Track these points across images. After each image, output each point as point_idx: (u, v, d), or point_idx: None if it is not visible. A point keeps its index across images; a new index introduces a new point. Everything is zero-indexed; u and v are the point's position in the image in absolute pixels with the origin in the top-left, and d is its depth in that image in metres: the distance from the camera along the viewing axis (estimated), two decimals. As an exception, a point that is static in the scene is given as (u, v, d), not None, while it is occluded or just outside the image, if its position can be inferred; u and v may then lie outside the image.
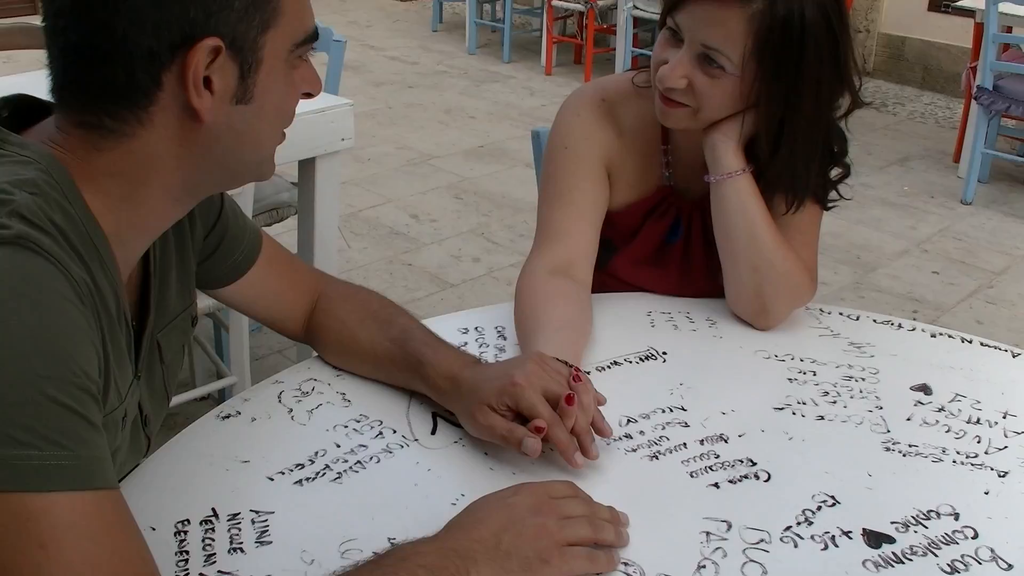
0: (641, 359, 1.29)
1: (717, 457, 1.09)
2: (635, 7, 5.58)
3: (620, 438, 1.12)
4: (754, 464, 1.08)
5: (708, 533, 0.97)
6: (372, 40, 7.06)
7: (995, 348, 1.35)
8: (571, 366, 1.13)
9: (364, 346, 1.20)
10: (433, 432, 1.13)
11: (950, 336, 1.37)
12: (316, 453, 1.08)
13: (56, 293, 0.77)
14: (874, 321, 1.41)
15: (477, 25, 6.73)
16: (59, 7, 0.82)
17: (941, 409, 1.20)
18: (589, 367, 1.25)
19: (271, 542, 0.95)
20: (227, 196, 1.16)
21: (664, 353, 1.30)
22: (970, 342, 1.36)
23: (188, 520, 0.97)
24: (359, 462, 1.07)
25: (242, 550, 0.94)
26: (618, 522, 0.95)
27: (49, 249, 0.77)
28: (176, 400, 2.14)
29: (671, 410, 1.18)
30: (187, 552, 0.94)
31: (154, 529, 0.96)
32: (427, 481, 1.04)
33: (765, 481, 1.06)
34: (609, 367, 1.27)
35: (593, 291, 1.42)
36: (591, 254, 1.39)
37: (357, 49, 6.78)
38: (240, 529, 0.97)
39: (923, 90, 6.14)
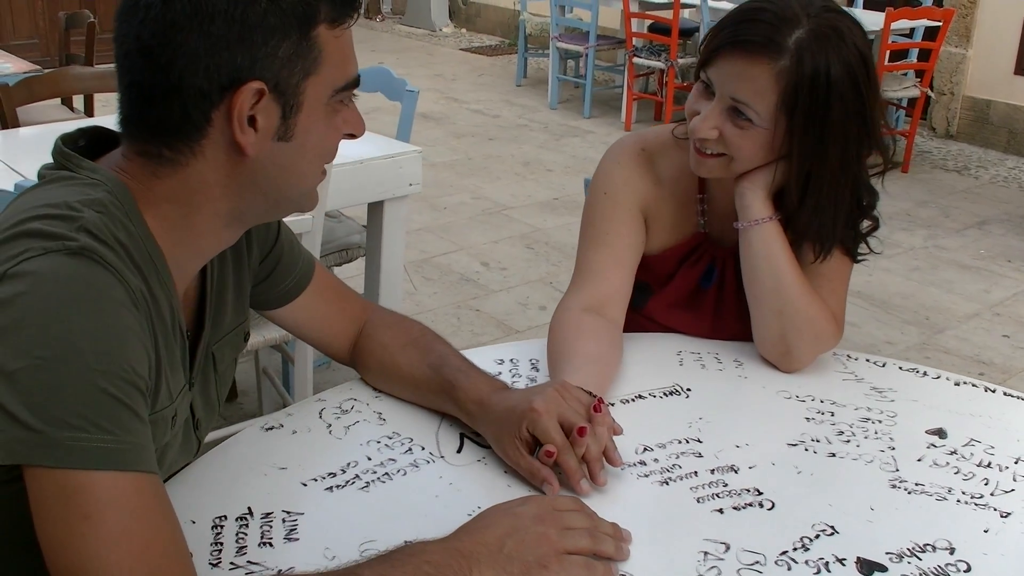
0: (665, 394, 1.35)
1: (725, 486, 1.14)
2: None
3: (635, 464, 1.18)
4: (760, 493, 1.13)
5: (706, 553, 1.02)
6: (456, 93, 7.28)
7: (1019, 398, 1.37)
8: (594, 396, 1.20)
9: (403, 370, 1.29)
10: (459, 451, 1.21)
11: (974, 385, 1.40)
12: (348, 464, 1.17)
13: (113, 299, 0.87)
14: (900, 368, 1.44)
15: (559, 81, 6.88)
16: (127, 50, 0.94)
17: (953, 452, 1.23)
18: (614, 399, 1.32)
19: (298, 539, 1.04)
20: (284, 226, 1.27)
21: (688, 390, 1.36)
22: (994, 391, 1.38)
23: (225, 516, 1.07)
24: (387, 474, 1.16)
25: (271, 545, 1.03)
26: (620, 537, 1.01)
27: (110, 261, 0.89)
28: (242, 426, 2.26)
29: (687, 441, 1.23)
30: (221, 544, 1.03)
31: (194, 522, 1.05)
32: (448, 493, 1.12)
33: (768, 509, 1.10)
34: (633, 400, 1.33)
35: (628, 331, 1.49)
36: (624, 295, 1.47)
37: (441, 101, 7.00)
38: (271, 527, 1.06)
39: (1007, 154, 6.06)
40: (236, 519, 1.07)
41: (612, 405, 1.30)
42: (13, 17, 7.60)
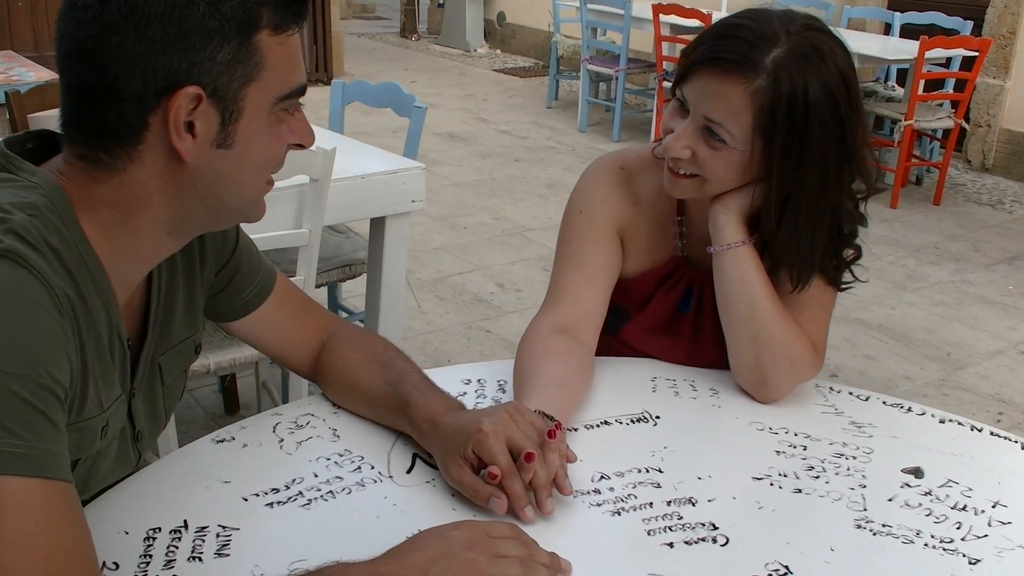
0: (632, 421, 1.30)
1: (680, 519, 1.10)
2: (744, 93, 5.60)
3: (588, 492, 1.14)
4: (715, 528, 1.08)
5: (648, 588, 0.98)
6: (486, 113, 7.28)
7: (1005, 439, 1.31)
8: (554, 421, 1.16)
9: (362, 385, 1.26)
10: (409, 471, 1.17)
11: (960, 424, 1.34)
12: (294, 480, 1.14)
13: (34, 303, 0.85)
14: (883, 403, 1.39)
15: (590, 104, 6.86)
16: (64, 51, 0.92)
17: (928, 493, 1.17)
18: (578, 424, 1.28)
19: (229, 555, 1.01)
20: (243, 236, 1.25)
21: (657, 417, 1.31)
22: (980, 431, 1.32)
23: (160, 528, 1.04)
24: (331, 492, 1.12)
25: (200, 559, 1.00)
26: (557, 568, 0.97)
27: (35, 264, 0.86)
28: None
29: (647, 471, 1.19)
30: (151, 556, 1.00)
31: (127, 533, 1.03)
32: (389, 515, 1.09)
33: (722, 545, 1.05)
34: (598, 426, 1.29)
35: (604, 356, 1.45)
36: (597, 317, 1.42)
37: (470, 122, 7.01)
38: (204, 541, 1.03)
39: (1044, 189, 5.94)
40: (170, 532, 1.04)
41: (575, 430, 1.26)
42: (49, 28, 7.73)
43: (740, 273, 1.34)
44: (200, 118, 0.92)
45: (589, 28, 6.57)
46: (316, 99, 3.19)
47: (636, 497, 1.13)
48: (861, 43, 5.45)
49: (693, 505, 1.12)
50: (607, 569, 1.01)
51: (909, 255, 4.71)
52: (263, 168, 1.00)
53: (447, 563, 0.91)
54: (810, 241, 1.32)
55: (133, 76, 0.89)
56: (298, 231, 2.26)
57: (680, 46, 6.05)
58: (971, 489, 1.18)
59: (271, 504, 1.10)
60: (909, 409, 1.37)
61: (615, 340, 1.49)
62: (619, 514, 1.10)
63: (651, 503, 1.12)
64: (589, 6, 6.45)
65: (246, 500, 1.10)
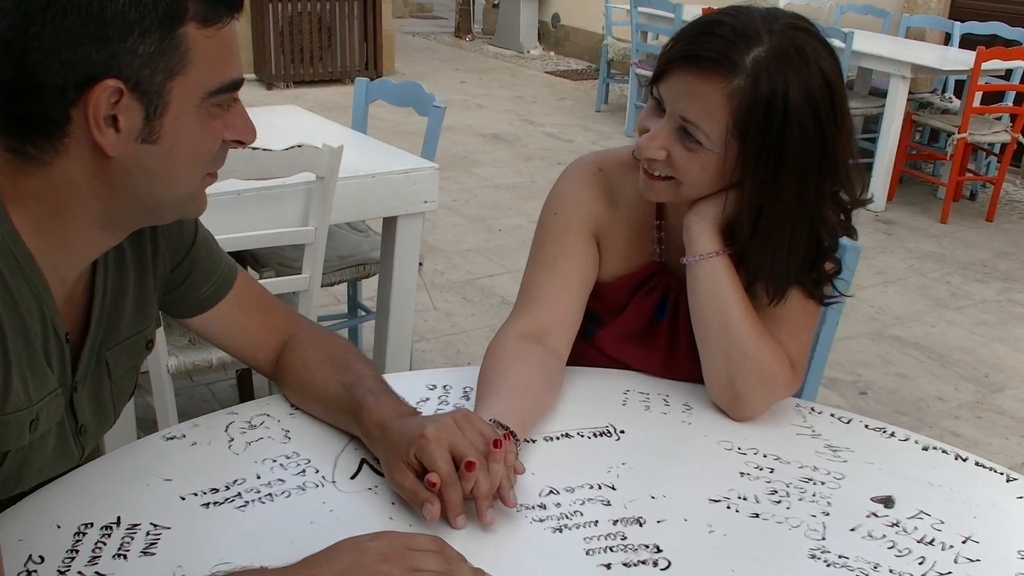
0: (595, 435, 1.26)
1: (624, 539, 1.05)
2: (792, 101, 5.49)
3: (533, 507, 1.10)
4: (659, 551, 1.03)
5: (575, 611, 0.94)
6: (533, 115, 7.25)
7: (991, 470, 1.24)
8: (507, 430, 1.13)
9: (318, 387, 1.24)
10: (353, 476, 1.14)
11: (944, 452, 1.27)
12: (235, 481, 1.12)
13: None
14: (865, 427, 1.32)
15: (638, 108, 6.78)
16: None
17: (895, 524, 1.11)
18: (537, 436, 1.24)
19: (155, 554, 0.99)
20: (202, 231, 1.24)
21: (622, 432, 1.27)
22: (965, 460, 1.25)
23: (92, 523, 1.03)
24: (270, 495, 1.10)
25: (125, 557, 0.98)
26: (481, 585, 0.94)
27: None
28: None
29: (599, 487, 1.14)
30: (77, 551, 0.99)
31: (59, 527, 1.02)
32: (324, 521, 1.06)
33: (662, 569, 1.01)
34: (558, 438, 1.25)
35: (577, 364, 1.41)
36: (570, 324, 1.38)
37: (515, 123, 6.98)
38: (133, 538, 1.01)
39: (1106, 209, 5.72)
40: (101, 528, 1.03)
41: (533, 442, 1.23)
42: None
43: (713, 285, 1.29)
44: (123, 112, 0.91)
45: (639, 31, 6.50)
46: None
47: (582, 514, 1.09)
48: (917, 53, 5.32)
49: (640, 525, 1.08)
50: (536, 589, 0.97)
51: (955, 272, 4.57)
52: (194, 164, 0.98)
53: (359, 573, 0.89)
54: (785, 253, 1.27)
55: (52, 69, 0.88)
56: (304, 228, 2.26)
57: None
58: (943, 522, 1.12)
59: (207, 504, 1.08)
60: (892, 434, 1.31)
61: (590, 347, 1.45)
62: (560, 531, 1.06)
63: (596, 521, 1.08)
64: (639, 9, 6.38)
65: (183, 499, 1.08)
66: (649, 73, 6.35)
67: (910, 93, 5.28)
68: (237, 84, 0.97)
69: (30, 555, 0.97)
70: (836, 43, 5.08)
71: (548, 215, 1.41)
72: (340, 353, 1.27)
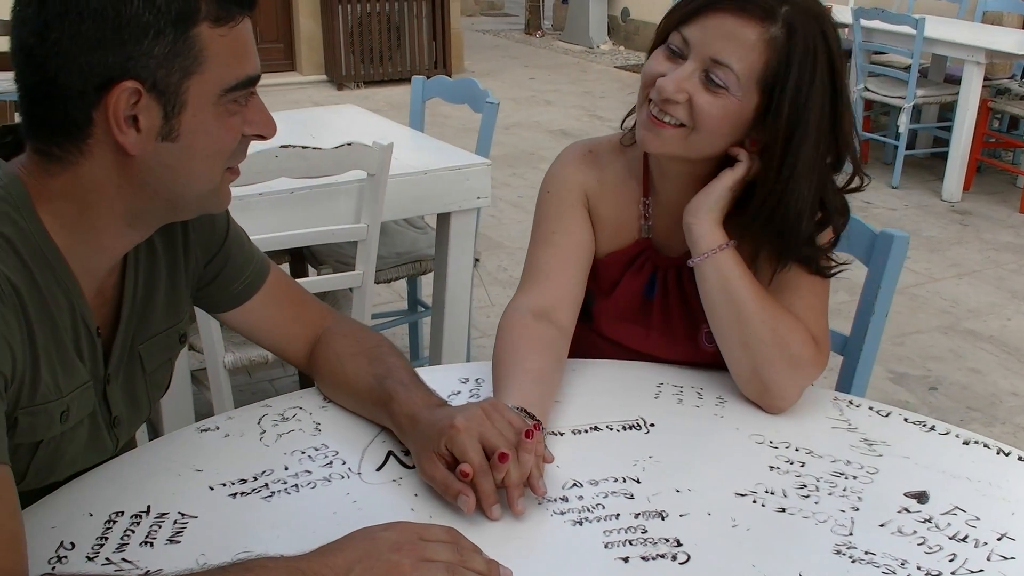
0: (624, 428, 1.25)
1: (644, 532, 1.04)
2: (866, 89, 5.37)
3: (556, 500, 1.10)
4: (679, 545, 1.02)
5: (588, 604, 0.94)
6: (601, 111, 7.21)
7: (1034, 465, 1.20)
8: (531, 420, 1.13)
9: (350, 379, 1.25)
10: (379, 468, 1.16)
11: (986, 446, 1.23)
12: (263, 472, 1.14)
13: None
14: (905, 420, 1.29)
15: (706, 102, 6.70)
16: (13, 51, 0.95)
17: (927, 520, 1.08)
18: (565, 429, 1.24)
19: (180, 542, 1.02)
20: (234, 227, 1.27)
21: (652, 425, 1.26)
22: (1007, 455, 1.21)
23: (123, 512, 1.06)
24: (296, 486, 1.12)
25: (151, 545, 1.01)
26: (493, 574, 0.94)
27: None
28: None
29: (624, 480, 1.14)
30: (107, 539, 1.02)
31: (91, 515, 1.05)
32: (347, 512, 1.07)
33: (681, 563, 1.00)
34: (587, 431, 1.24)
35: (582, 351, 1.42)
36: (575, 298, 1.39)
37: (583, 118, 6.96)
38: (161, 527, 1.04)
39: None
40: (132, 516, 1.06)
41: (562, 435, 1.23)
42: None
43: (721, 279, 1.28)
44: (142, 112, 0.94)
45: (706, 24, 6.41)
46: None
47: (603, 507, 1.09)
48: (993, 38, 5.14)
49: (663, 519, 1.07)
50: (550, 580, 0.97)
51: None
52: (214, 159, 1.00)
53: (370, 564, 0.90)
54: (795, 216, 1.26)
55: (72, 73, 0.91)
56: (356, 226, 2.28)
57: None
58: (978, 518, 1.08)
59: (235, 494, 1.10)
60: (932, 428, 1.27)
61: (590, 331, 1.46)
62: (580, 524, 1.06)
63: (618, 514, 1.07)
64: (706, 1, 6.30)
65: (212, 489, 1.11)
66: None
67: (987, 79, 5.11)
68: (253, 80, 1.00)
69: (61, 541, 1.00)
70: (907, 29, 4.95)
71: (543, 195, 1.45)
72: (372, 346, 1.28)
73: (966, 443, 1.24)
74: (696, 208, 1.29)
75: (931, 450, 1.22)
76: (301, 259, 2.96)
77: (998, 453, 1.22)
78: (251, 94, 1.01)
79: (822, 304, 1.33)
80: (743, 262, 1.29)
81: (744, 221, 1.29)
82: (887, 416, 1.30)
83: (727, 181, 1.28)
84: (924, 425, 1.28)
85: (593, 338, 1.45)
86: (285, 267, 3.03)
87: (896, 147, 5.31)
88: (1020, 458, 1.21)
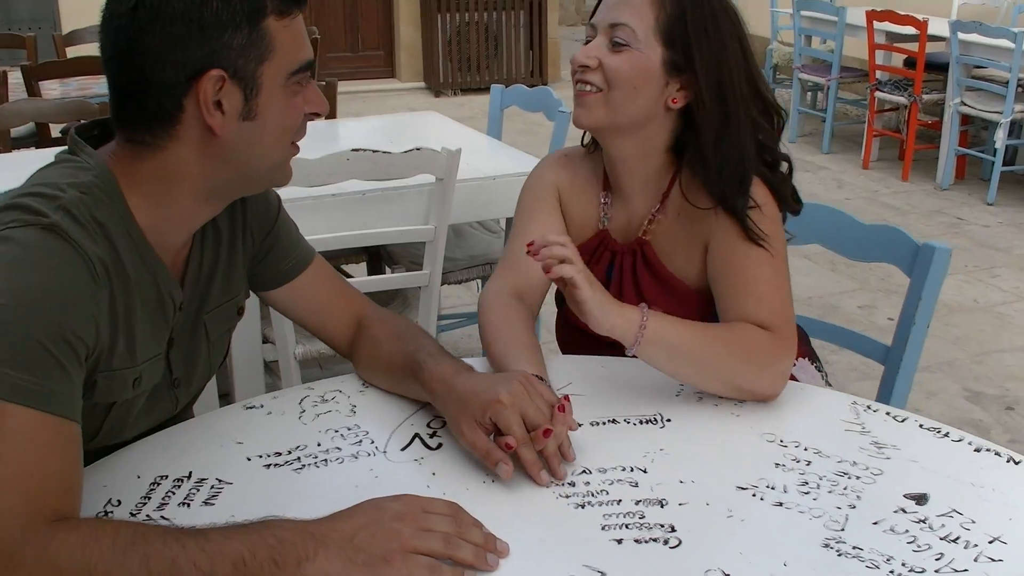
0: (641, 422, 1.31)
1: (642, 518, 1.10)
2: (963, 103, 5.26)
3: (563, 484, 1.17)
4: (673, 531, 1.08)
5: (576, 578, 1.00)
6: (695, 122, 7.19)
7: (1045, 474, 1.21)
8: (559, 397, 1.22)
9: (384, 359, 1.37)
10: (404, 448, 1.24)
11: (997, 454, 1.24)
12: (297, 447, 1.24)
13: (66, 270, 1.02)
14: (920, 426, 1.31)
15: (802, 113, 6.64)
16: (107, 56, 1.10)
17: (922, 520, 1.11)
18: (584, 420, 1.30)
19: (214, 504, 1.12)
20: (283, 212, 1.40)
21: (668, 420, 1.31)
22: (1018, 463, 1.23)
23: (167, 476, 1.17)
24: (325, 460, 1.22)
25: (188, 506, 1.12)
26: (490, 548, 1.01)
27: (76, 237, 1.04)
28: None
29: (631, 470, 1.20)
30: (149, 498, 1.13)
31: (138, 477, 1.17)
32: (368, 485, 1.16)
33: (672, 547, 1.05)
34: (605, 424, 1.31)
35: (567, 347, 1.56)
36: (543, 283, 1.50)
37: (676, 130, 6.95)
38: (199, 490, 1.15)
39: None
40: (174, 480, 1.17)
41: (580, 425, 1.29)
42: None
43: (663, 349, 1.29)
44: (226, 97, 1.08)
45: (802, 35, 6.36)
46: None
47: (607, 493, 1.15)
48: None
49: (662, 507, 1.12)
50: (544, 556, 1.04)
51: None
52: (284, 135, 1.15)
53: (373, 530, 0.98)
54: (737, 153, 1.37)
55: (165, 68, 1.06)
56: (423, 227, 2.39)
57: (895, 55, 5.76)
58: (973, 521, 1.11)
59: (269, 465, 1.20)
60: (946, 434, 1.29)
61: (563, 319, 1.57)
62: (583, 507, 1.12)
63: (620, 500, 1.14)
64: (803, 12, 6.25)
65: (249, 460, 1.21)
66: (811, 77, 6.23)
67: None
68: (310, 64, 1.14)
69: (109, 499, 1.12)
70: (1005, 43, 4.83)
71: (522, 192, 1.58)
72: (405, 329, 1.40)
73: (977, 450, 1.26)
74: (595, 318, 1.25)
75: (940, 455, 1.25)
76: (378, 259, 3.09)
77: (1008, 461, 1.23)
78: (308, 77, 1.15)
79: (776, 289, 1.38)
80: (665, 316, 1.30)
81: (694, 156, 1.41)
82: (903, 422, 1.33)
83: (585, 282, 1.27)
84: (938, 432, 1.30)
85: (566, 326, 1.56)
86: (362, 266, 3.16)
87: (993, 163, 5.18)
88: (1031, 467, 1.22)
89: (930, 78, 5.58)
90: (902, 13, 5.40)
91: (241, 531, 0.97)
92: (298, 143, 1.20)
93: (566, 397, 1.20)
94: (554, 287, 1.53)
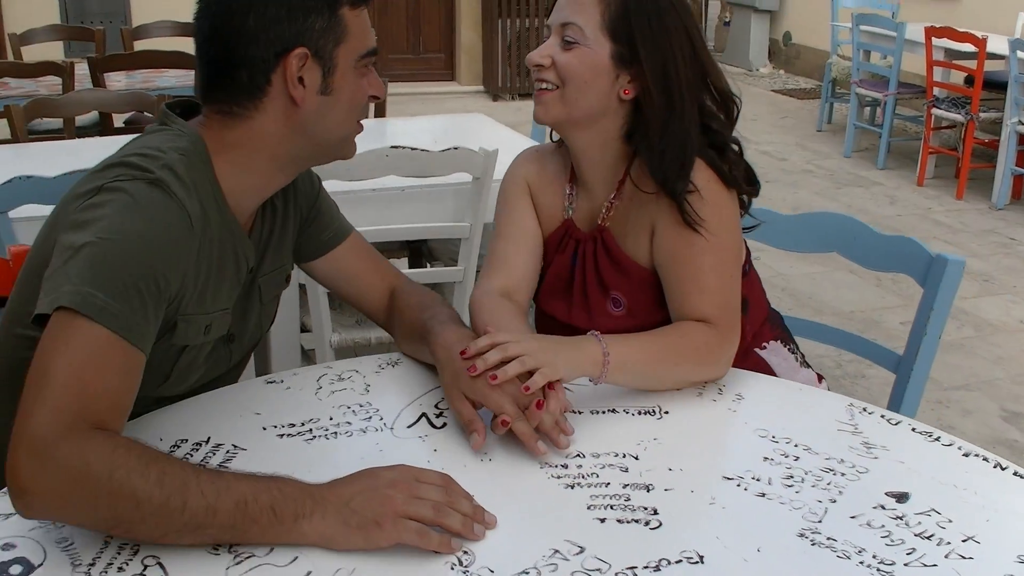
0: (639, 412, 1.36)
1: (627, 500, 1.16)
2: (1021, 122, 5.19)
3: (556, 465, 1.23)
4: (655, 514, 1.13)
5: (556, 551, 1.06)
6: (749, 133, 7.08)
7: (1027, 481, 1.24)
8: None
9: (407, 327, 1.47)
10: (410, 426, 1.31)
11: (985, 459, 1.27)
12: (311, 420, 1.32)
13: (166, 221, 1.17)
14: (912, 430, 1.35)
15: (858, 128, 6.60)
16: (204, 37, 1.26)
17: (900, 517, 1.14)
18: (585, 409, 1.36)
19: (228, 467, 1.20)
20: (324, 190, 1.53)
21: (666, 412, 1.37)
22: (1004, 468, 1.26)
23: (187, 439, 1.26)
24: (335, 433, 1.29)
25: (204, 465, 1.20)
26: (477, 519, 1.08)
27: (178, 192, 1.18)
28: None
29: (624, 456, 1.25)
30: (170, 459, 1.21)
31: (161, 439, 1.25)
32: (372, 458, 1.23)
33: (652, 528, 1.11)
34: (604, 412, 1.36)
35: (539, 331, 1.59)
36: (530, 279, 1.58)
37: (730, 141, 6.95)
38: (215, 454, 1.23)
39: None
40: (193, 443, 1.25)
41: (580, 413, 1.35)
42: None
43: (627, 375, 1.37)
44: (307, 73, 1.24)
45: (860, 50, 6.32)
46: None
47: (597, 476, 1.21)
48: None
49: (648, 491, 1.18)
50: (528, 529, 1.10)
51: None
52: (353, 111, 1.30)
53: (368, 496, 1.05)
54: (680, 143, 1.42)
55: (257, 46, 1.22)
56: (459, 224, 2.46)
57: (953, 72, 5.70)
58: (950, 521, 1.14)
59: (282, 435, 1.28)
60: (938, 438, 1.32)
61: (535, 306, 1.63)
62: (572, 488, 1.18)
63: (608, 483, 1.19)
64: (862, 27, 6.21)
65: (264, 429, 1.30)
66: (869, 92, 6.19)
67: None
68: (375, 51, 1.31)
69: (134, 456, 1.21)
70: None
71: (499, 192, 1.64)
72: (428, 300, 1.50)
73: (966, 455, 1.29)
74: (555, 366, 1.29)
75: (928, 457, 1.28)
76: (419, 255, 3.17)
77: (995, 467, 1.26)
78: (373, 63, 1.29)
79: (718, 280, 1.44)
80: (620, 340, 1.36)
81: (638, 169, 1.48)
82: (896, 424, 1.36)
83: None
84: (930, 435, 1.33)
85: (543, 316, 1.63)
86: (404, 261, 3.25)
87: (1051, 184, 5.11)
88: (1016, 473, 1.25)
89: (988, 96, 5.51)
90: (961, 30, 5.35)
91: (251, 478, 1.05)
92: (362, 123, 1.34)
93: (557, 381, 1.27)
94: (540, 283, 1.62)
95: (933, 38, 5.55)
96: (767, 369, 1.61)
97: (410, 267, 3.22)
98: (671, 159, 1.42)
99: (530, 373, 1.25)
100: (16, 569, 1.00)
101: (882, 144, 6.26)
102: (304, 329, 2.57)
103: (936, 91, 5.73)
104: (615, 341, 1.35)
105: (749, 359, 1.58)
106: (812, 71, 9.24)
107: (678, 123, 1.42)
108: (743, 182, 1.50)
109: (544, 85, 1.46)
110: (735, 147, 1.51)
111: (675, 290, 1.46)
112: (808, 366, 1.70)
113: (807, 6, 9.14)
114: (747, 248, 1.61)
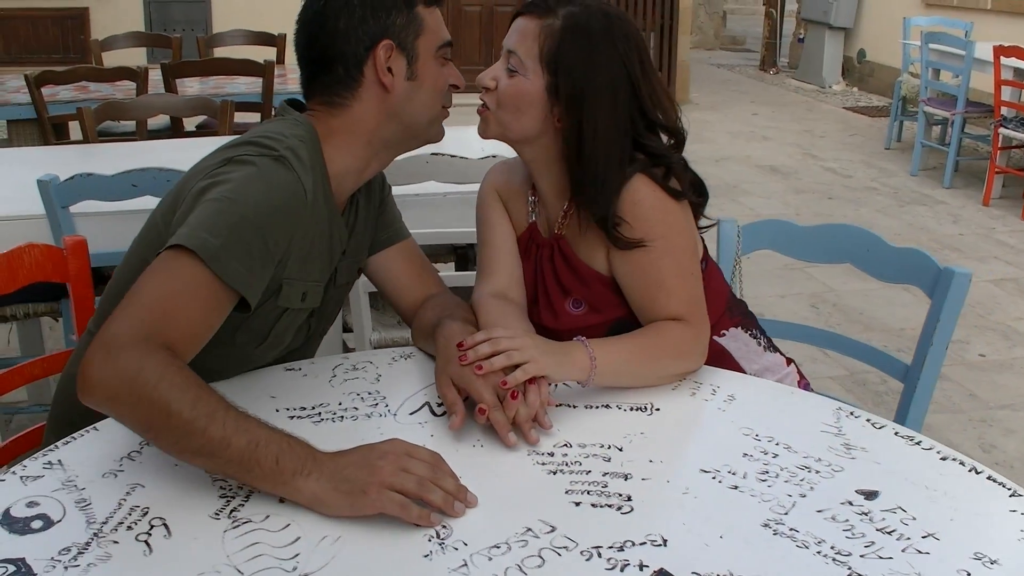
0: (631, 408, 1.43)
1: (604, 487, 1.23)
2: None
3: (542, 453, 1.30)
4: (629, 500, 1.20)
5: (528, 528, 1.14)
6: (817, 150, 7.15)
7: (1000, 484, 1.27)
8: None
9: (424, 323, 1.57)
10: (412, 413, 1.41)
11: (962, 463, 1.31)
12: (321, 404, 1.42)
13: (287, 190, 1.35)
14: (895, 434, 1.39)
15: (926, 147, 6.52)
16: (304, 44, 1.46)
17: (865, 513, 1.19)
18: (579, 404, 1.44)
19: (240, 443, 1.30)
20: (391, 193, 1.68)
21: (657, 409, 1.43)
22: (978, 473, 1.29)
23: (206, 418, 1.36)
24: (342, 417, 1.39)
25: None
26: (459, 497, 1.16)
27: (296, 168, 1.36)
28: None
29: (609, 447, 1.32)
30: (189, 435, 1.32)
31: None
32: (372, 440, 1.32)
33: (624, 513, 1.18)
34: (597, 408, 1.44)
35: None
36: (519, 278, 1.67)
37: (796, 156, 6.94)
38: (229, 431, 1.33)
39: None
40: (212, 422, 1.36)
41: (574, 407, 1.42)
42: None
43: (613, 376, 1.45)
44: (394, 63, 1.43)
45: (929, 68, 6.25)
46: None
47: (580, 464, 1.28)
48: None
49: (625, 480, 1.25)
50: (506, 510, 1.18)
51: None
52: (436, 95, 1.48)
53: (360, 465, 1.15)
54: (603, 170, 1.49)
55: (349, 43, 1.42)
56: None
57: None
58: (914, 518, 1.18)
59: (292, 417, 1.39)
60: (918, 443, 1.36)
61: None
62: (554, 474, 1.26)
63: (589, 471, 1.26)
64: (931, 45, 6.15)
65: (277, 411, 1.40)
66: (936, 111, 6.13)
67: None
68: (450, 43, 1.49)
69: (157, 430, 1.32)
70: None
71: (477, 203, 1.73)
72: (452, 304, 1.60)
73: (944, 459, 1.33)
74: (553, 377, 1.40)
75: (905, 460, 1.32)
76: (465, 260, 3.27)
77: (970, 471, 1.30)
78: (449, 58, 1.44)
79: (682, 280, 1.52)
80: (604, 343, 1.45)
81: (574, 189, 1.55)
82: (880, 428, 1.41)
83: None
84: (912, 440, 1.37)
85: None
86: (450, 266, 3.35)
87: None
88: (990, 478, 1.28)
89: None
90: (1031, 49, 5.27)
91: (269, 428, 1.18)
92: (447, 109, 1.51)
93: (542, 378, 1.36)
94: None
95: (1002, 57, 5.47)
96: (726, 355, 1.68)
97: (456, 271, 3.32)
98: (590, 188, 1.50)
99: (517, 368, 1.33)
100: (37, 524, 1.12)
101: (948, 163, 6.18)
102: (346, 328, 2.68)
103: (1004, 110, 5.64)
104: (600, 346, 1.43)
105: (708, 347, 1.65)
106: (885, 89, 9.14)
107: (599, 154, 1.48)
108: (691, 194, 1.56)
109: (484, 104, 1.55)
110: (681, 161, 1.57)
111: (642, 296, 1.53)
112: (775, 350, 1.76)
113: (881, 23, 9.05)
114: (704, 245, 1.67)
